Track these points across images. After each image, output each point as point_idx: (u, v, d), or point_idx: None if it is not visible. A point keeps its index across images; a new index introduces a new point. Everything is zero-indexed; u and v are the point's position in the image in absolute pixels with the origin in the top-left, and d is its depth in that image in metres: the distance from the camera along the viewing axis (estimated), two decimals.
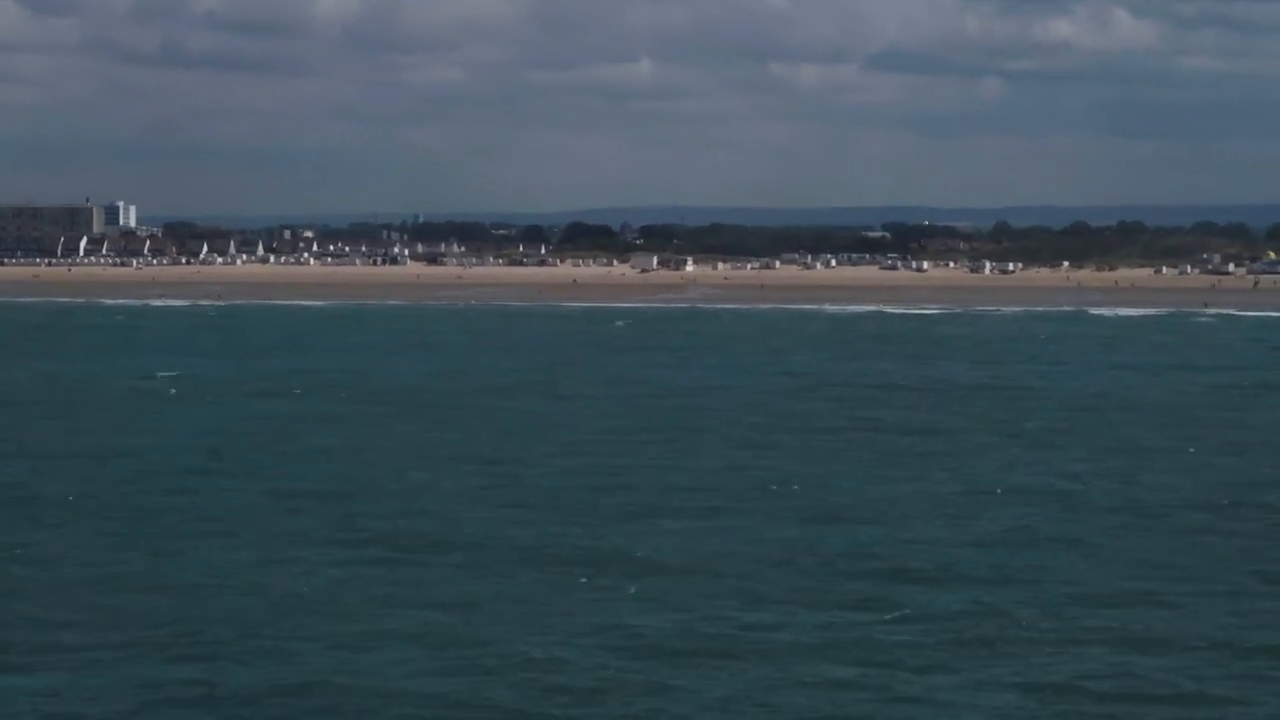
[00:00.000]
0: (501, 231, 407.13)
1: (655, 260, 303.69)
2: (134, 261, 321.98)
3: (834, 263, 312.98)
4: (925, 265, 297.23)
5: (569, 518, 52.08)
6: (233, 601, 40.66)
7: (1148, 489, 58.27)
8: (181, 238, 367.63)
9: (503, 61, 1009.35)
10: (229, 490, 57.25)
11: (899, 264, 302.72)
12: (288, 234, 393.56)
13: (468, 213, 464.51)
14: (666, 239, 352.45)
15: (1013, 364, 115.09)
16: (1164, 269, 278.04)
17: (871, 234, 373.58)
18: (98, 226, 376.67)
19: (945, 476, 61.22)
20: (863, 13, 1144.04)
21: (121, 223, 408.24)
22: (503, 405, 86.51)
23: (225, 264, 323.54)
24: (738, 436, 73.40)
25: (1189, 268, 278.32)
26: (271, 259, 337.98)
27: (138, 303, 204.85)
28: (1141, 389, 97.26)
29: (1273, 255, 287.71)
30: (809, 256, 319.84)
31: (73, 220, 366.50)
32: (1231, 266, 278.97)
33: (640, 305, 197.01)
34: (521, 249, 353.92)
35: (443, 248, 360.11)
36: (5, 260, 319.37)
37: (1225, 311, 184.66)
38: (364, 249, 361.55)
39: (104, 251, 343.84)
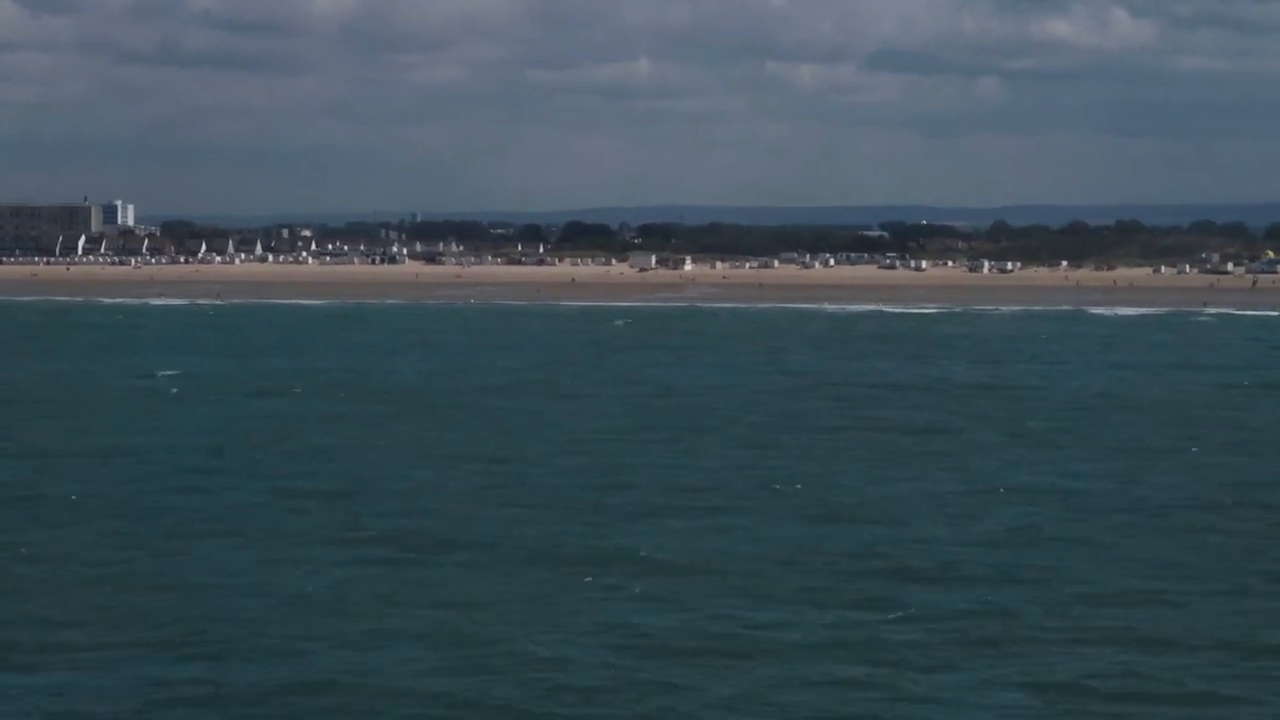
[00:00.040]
0: (499, 231, 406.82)
1: (654, 259, 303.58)
2: (132, 260, 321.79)
3: (832, 262, 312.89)
4: (924, 264, 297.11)
5: (573, 517, 52.09)
6: (238, 601, 40.65)
7: (1151, 488, 58.27)
8: (180, 237, 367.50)
9: (501, 60, 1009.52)
10: (232, 489, 57.25)
11: (897, 263, 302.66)
12: (285, 233, 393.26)
13: (466, 212, 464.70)
14: (665, 238, 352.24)
15: (1013, 363, 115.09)
16: (1162, 268, 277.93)
17: (869, 233, 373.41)
18: (96, 225, 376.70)
19: (948, 476, 61.22)
20: (861, 12, 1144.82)
21: (119, 222, 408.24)
22: (503, 404, 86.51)
23: (224, 263, 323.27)
24: (739, 436, 73.38)
25: (1187, 267, 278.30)
26: (270, 258, 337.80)
27: (136, 301, 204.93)
28: (1142, 388, 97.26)
29: (1271, 255, 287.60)
30: (807, 256, 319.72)
31: (71, 219, 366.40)
32: (1230, 266, 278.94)
33: (639, 304, 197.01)
34: (520, 248, 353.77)
35: (441, 247, 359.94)
36: (3, 259, 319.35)
37: (1224, 311, 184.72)
38: (362, 248, 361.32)
39: (102, 250, 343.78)
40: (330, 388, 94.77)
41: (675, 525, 50.78)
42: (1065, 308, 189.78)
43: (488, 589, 41.94)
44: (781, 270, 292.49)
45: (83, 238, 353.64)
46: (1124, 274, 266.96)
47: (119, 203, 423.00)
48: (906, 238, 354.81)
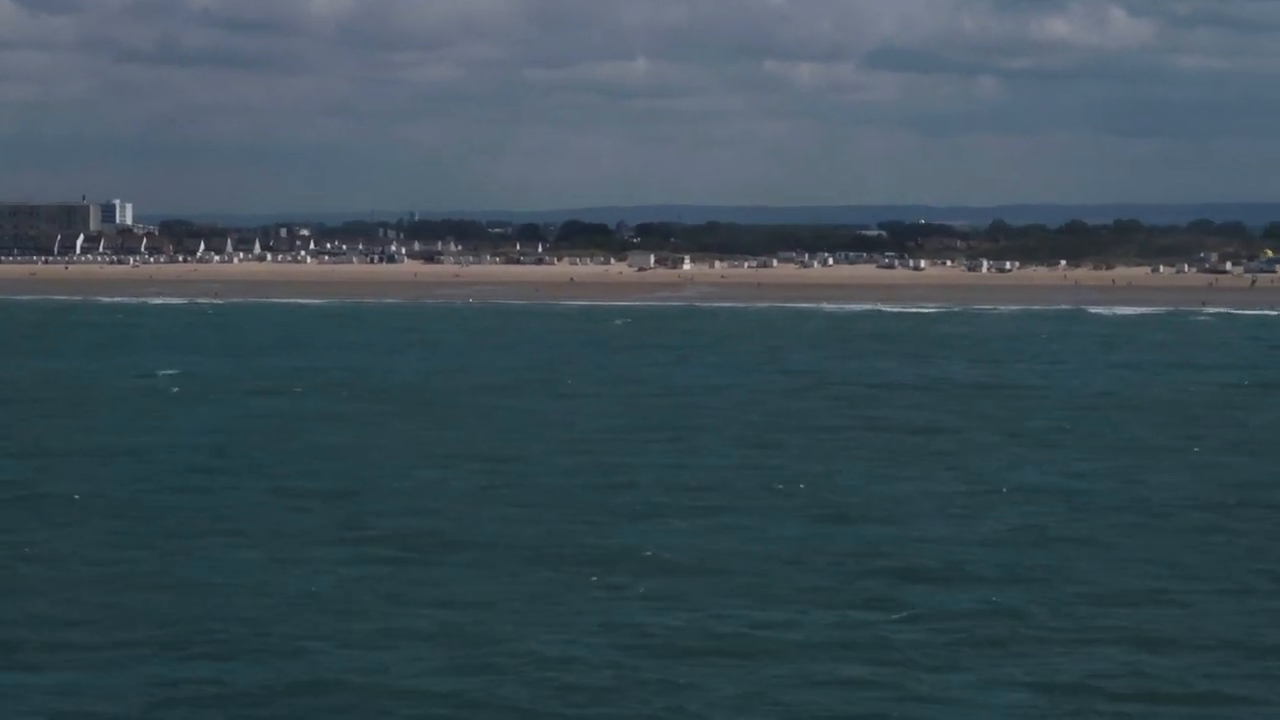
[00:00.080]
0: (498, 230, 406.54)
1: (652, 259, 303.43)
2: (131, 259, 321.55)
3: (831, 261, 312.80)
4: (922, 264, 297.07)
5: (576, 516, 52.12)
6: (243, 600, 40.68)
7: (1153, 488, 58.30)
8: (178, 236, 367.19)
9: (499, 59, 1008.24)
10: (236, 489, 57.28)
11: (896, 263, 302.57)
12: (284, 232, 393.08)
13: (463, 211, 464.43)
14: (663, 237, 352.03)
15: (1013, 363, 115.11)
16: (1161, 268, 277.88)
17: (868, 233, 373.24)
18: (94, 224, 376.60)
19: (950, 475, 61.27)
20: (859, 11, 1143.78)
21: (118, 220, 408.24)
22: (504, 404, 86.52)
23: (222, 262, 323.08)
24: (741, 435, 73.40)
25: (1186, 266, 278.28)
26: (268, 257, 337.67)
27: (135, 301, 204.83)
28: (1143, 388, 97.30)
29: (1270, 254, 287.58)
30: (806, 255, 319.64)
31: (69, 218, 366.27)
32: (1229, 265, 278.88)
33: (638, 304, 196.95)
34: (518, 247, 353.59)
35: (439, 246, 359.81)
36: (2, 258, 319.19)
37: (1223, 310, 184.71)
38: (360, 247, 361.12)
39: (101, 249, 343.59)
40: (331, 387, 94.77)
41: (679, 525, 50.83)
42: (1064, 307, 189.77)
43: (493, 588, 41.97)
44: (780, 270, 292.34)
45: (81, 237, 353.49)
46: (1123, 273, 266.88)
47: (117, 202, 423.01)
48: (905, 237, 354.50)
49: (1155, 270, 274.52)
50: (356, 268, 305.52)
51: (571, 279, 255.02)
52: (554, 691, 33.34)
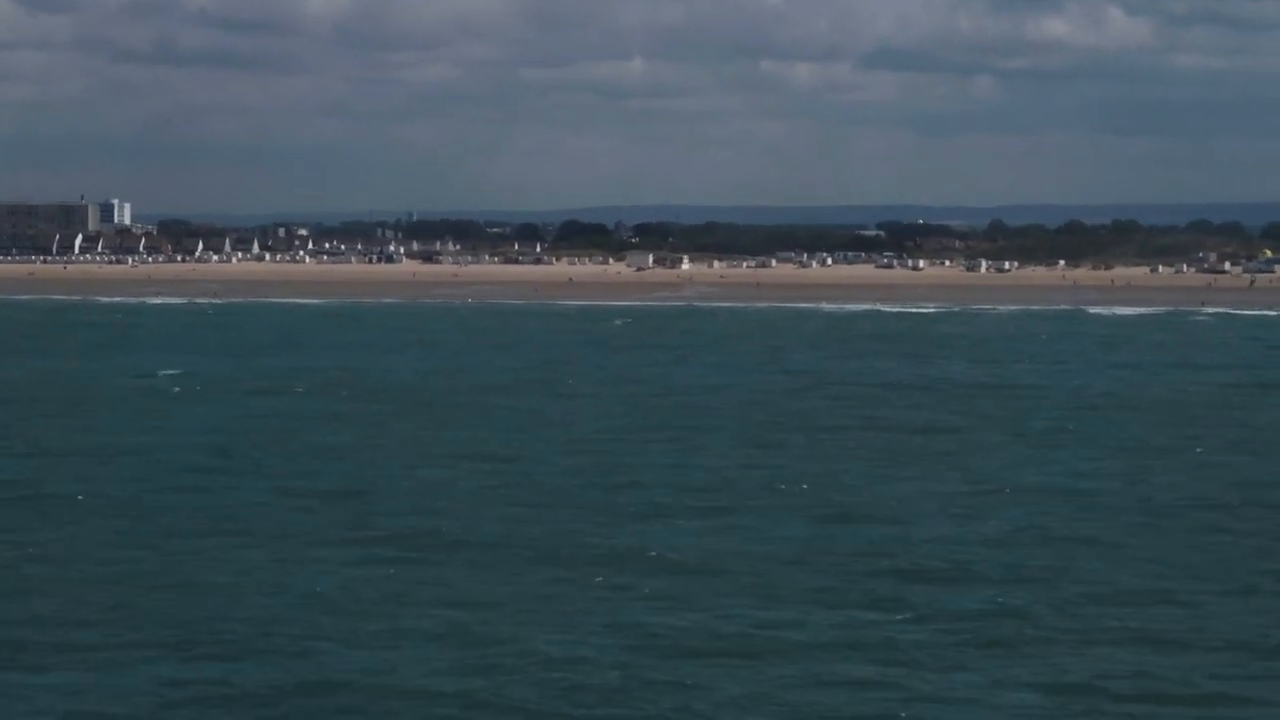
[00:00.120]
0: (495, 230, 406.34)
1: (651, 259, 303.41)
2: (129, 259, 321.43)
3: (830, 261, 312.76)
4: (921, 264, 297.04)
5: (580, 516, 52.13)
6: (249, 600, 40.66)
7: (1156, 488, 58.32)
8: (176, 235, 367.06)
9: (496, 59, 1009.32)
10: (239, 489, 57.27)
11: (895, 263, 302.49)
12: (282, 232, 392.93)
13: (461, 210, 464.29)
14: (661, 237, 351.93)
15: (1013, 363, 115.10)
16: (1160, 268, 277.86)
17: (866, 233, 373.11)
18: (93, 224, 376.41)
19: (953, 476, 61.27)
20: (856, 11, 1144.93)
21: (116, 220, 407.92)
22: (505, 403, 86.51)
23: (221, 262, 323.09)
24: (743, 435, 73.38)
25: (1185, 266, 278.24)
26: (267, 257, 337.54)
27: (134, 300, 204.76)
28: (1144, 388, 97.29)
29: (1269, 253, 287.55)
30: (804, 255, 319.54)
31: (68, 218, 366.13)
32: (1228, 265, 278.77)
33: (636, 304, 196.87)
34: (516, 247, 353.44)
35: (437, 246, 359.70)
36: (1, 258, 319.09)
37: (1222, 310, 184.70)
38: (359, 247, 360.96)
39: (99, 249, 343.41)
40: (331, 387, 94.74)
41: (683, 525, 50.82)
42: (1064, 307, 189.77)
43: (498, 589, 41.95)
44: (779, 270, 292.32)
45: (80, 236, 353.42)
46: (1121, 273, 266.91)
47: (115, 202, 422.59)
48: (903, 237, 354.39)
49: (1154, 270, 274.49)
50: (355, 268, 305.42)
51: (570, 279, 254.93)
52: (562, 692, 33.33)
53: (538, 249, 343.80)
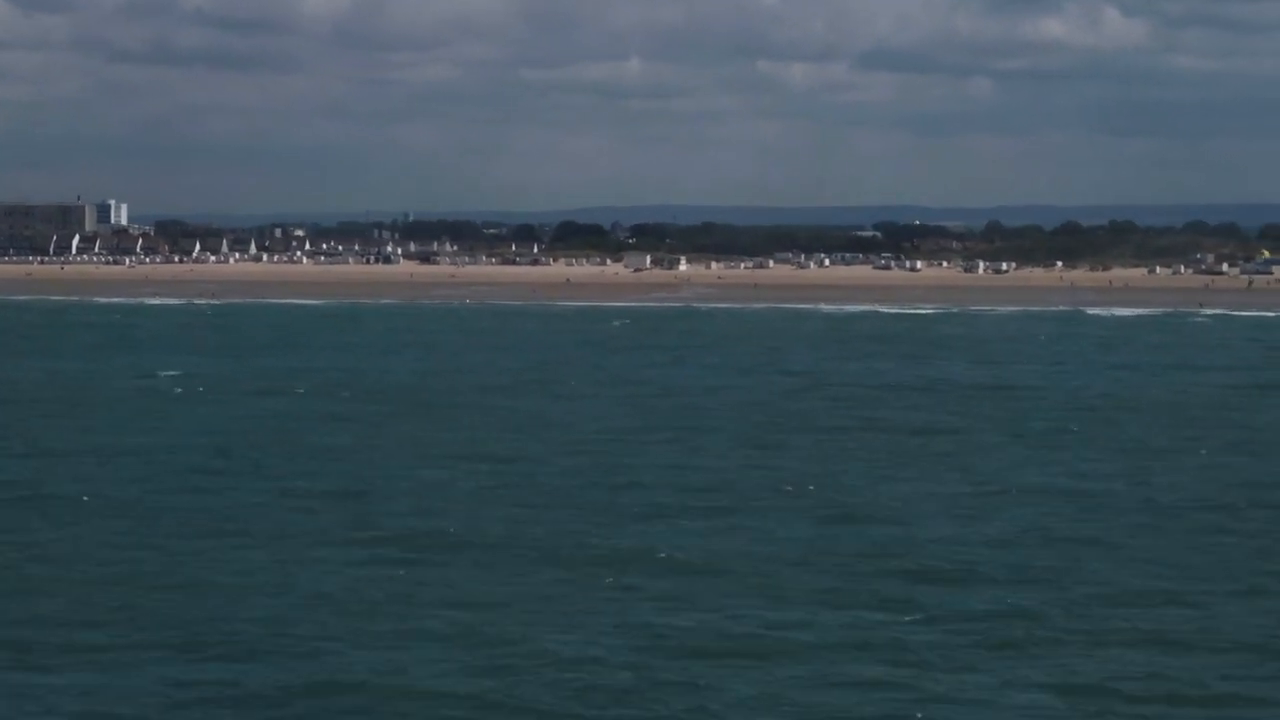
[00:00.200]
0: (492, 230, 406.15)
1: (648, 259, 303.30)
2: (127, 260, 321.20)
3: (827, 262, 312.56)
4: (919, 265, 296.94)
5: (584, 517, 52.15)
6: (256, 601, 40.64)
7: (1159, 489, 58.35)
8: (173, 236, 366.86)
9: (494, 59, 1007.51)
10: (242, 489, 57.27)
11: (892, 263, 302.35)
12: (279, 232, 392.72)
13: (458, 211, 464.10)
14: (659, 238, 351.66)
15: (1013, 364, 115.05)
16: (1157, 269, 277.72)
17: (863, 234, 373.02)
18: (90, 225, 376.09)
19: (956, 476, 61.30)
20: (853, 11, 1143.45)
21: (113, 221, 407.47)
22: (506, 404, 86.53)
23: (218, 262, 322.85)
24: (743, 436, 73.39)
25: (1182, 268, 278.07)
26: (265, 258, 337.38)
27: (132, 301, 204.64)
28: (1144, 389, 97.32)
29: (1267, 254, 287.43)
30: (802, 256, 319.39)
31: (65, 218, 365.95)
32: (1225, 266, 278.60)
33: (634, 304, 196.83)
34: (514, 248, 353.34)
35: (435, 246, 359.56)
36: None
37: (1221, 312, 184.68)
38: (356, 248, 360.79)
39: (96, 250, 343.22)
40: (331, 388, 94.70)
41: (687, 526, 50.84)
42: (1062, 308, 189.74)
43: (504, 589, 41.96)
44: (776, 270, 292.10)
45: (77, 237, 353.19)
46: (1119, 274, 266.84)
47: (112, 202, 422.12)
48: (900, 238, 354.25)
49: (1151, 271, 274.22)
50: (353, 268, 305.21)
51: (568, 280, 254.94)
52: (574, 693, 33.32)
53: (535, 250, 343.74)
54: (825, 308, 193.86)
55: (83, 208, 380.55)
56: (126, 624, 38.50)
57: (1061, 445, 70.89)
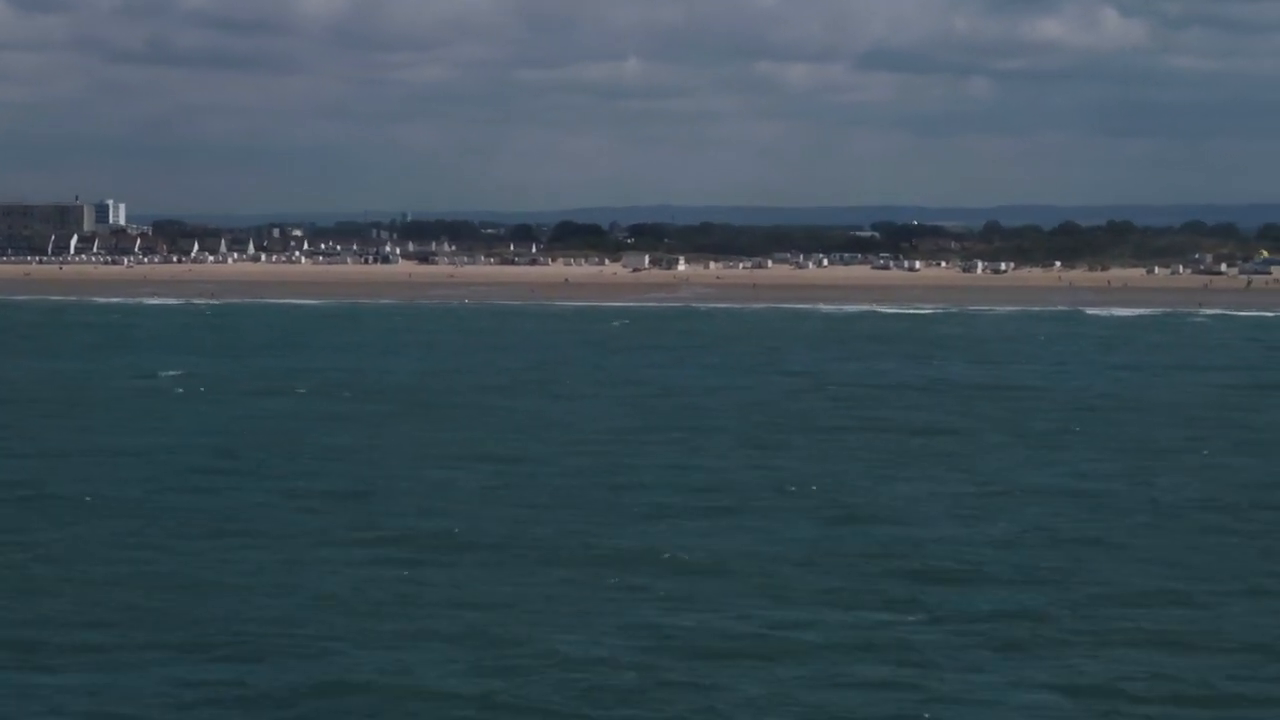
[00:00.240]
0: (490, 230, 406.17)
1: (647, 259, 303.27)
2: (125, 260, 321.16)
3: (826, 262, 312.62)
4: (917, 265, 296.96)
5: (588, 517, 52.13)
6: (262, 601, 40.62)
7: (1163, 489, 58.36)
8: (171, 236, 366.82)
9: (492, 60, 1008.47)
10: (246, 490, 57.25)
11: (891, 264, 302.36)
12: (277, 233, 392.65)
13: (456, 211, 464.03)
14: (657, 238, 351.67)
15: (1013, 364, 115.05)
16: (1156, 269, 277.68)
17: (861, 234, 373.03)
18: (88, 225, 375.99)
19: (959, 477, 61.31)
20: (851, 11, 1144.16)
21: (111, 221, 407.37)
22: (507, 404, 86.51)
23: (217, 262, 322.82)
24: (745, 436, 73.40)
25: (1181, 268, 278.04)
26: (263, 258, 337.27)
27: (131, 301, 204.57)
28: (1145, 389, 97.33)
29: (1266, 254, 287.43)
30: (801, 256, 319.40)
31: (63, 218, 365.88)
32: (1224, 266, 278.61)
33: (633, 304, 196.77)
34: (512, 248, 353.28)
35: (433, 246, 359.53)
36: None
37: (1220, 312, 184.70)
38: (354, 248, 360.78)
39: (95, 250, 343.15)
40: (332, 388, 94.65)
41: (691, 526, 50.83)
42: (1061, 308, 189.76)
43: (511, 589, 41.94)
44: (775, 270, 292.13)
45: (75, 237, 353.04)
46: (1117, 274, 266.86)
47: (111, 202, 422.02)
48: (898, 238, 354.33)
49: (1150, 272, 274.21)
50: (351, 268, 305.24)
51: (566, 280, 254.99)
52: (580, 693, 33.30)
53: (533, 250, 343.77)
54: (824, 308, 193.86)
55: (81, 208, 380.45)
56: (132, 624, 38.46)
57: (1064, 445, 70.89)
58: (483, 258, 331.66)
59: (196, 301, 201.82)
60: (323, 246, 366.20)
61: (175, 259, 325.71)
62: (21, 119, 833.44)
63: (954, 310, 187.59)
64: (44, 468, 62.57)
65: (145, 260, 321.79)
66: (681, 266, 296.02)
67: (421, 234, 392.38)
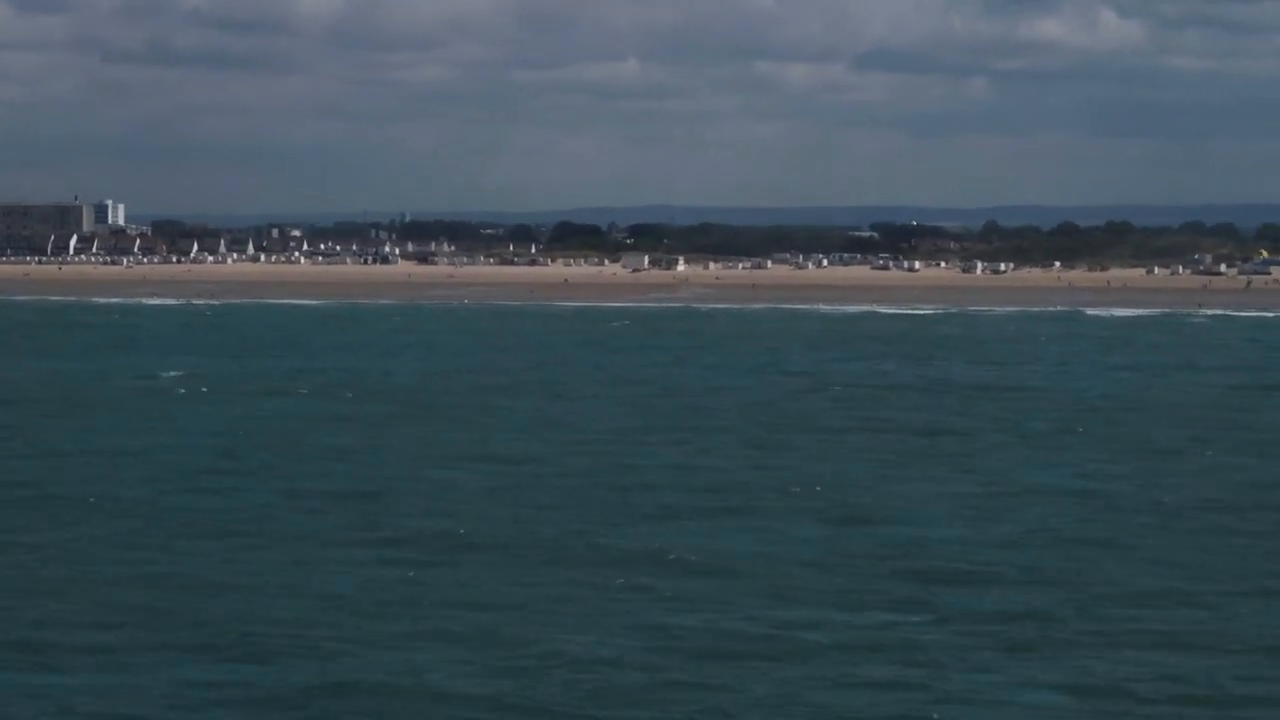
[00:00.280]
0: (489, 231, 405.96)
1: (646, 260, 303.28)
2: (124, 260, 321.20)
3: (825, 263, 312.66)
4: (917, 265, 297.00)
5: (594, 517, 52.15)
6: (270, 602, 40.62)
7: (1168, 490, 58.36)
8: (171, 236, 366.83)
9: (490, 60, 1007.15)
10: (251, 490, 57.25)
11: (890, 264, 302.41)
12: (275, 233, 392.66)
13: (455, 212, 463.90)
14: (656, 238, 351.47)
15: (1014, 364, 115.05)
16: (1155, 269, 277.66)
17: (860, 234, 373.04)
18: (87, 225, 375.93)
19: (963, 477, 61.36)
20: (850, 12, 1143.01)
21: (110, 221, 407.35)
22: (509, 405, 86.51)
23: (216, 263, 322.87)
24: (748, 437, 73.43)
25: (1180, 268, 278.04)
26: (262, 258, 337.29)
27: (130, 301, 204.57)
28: (1147, 389, 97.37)
29: (1265, 254, 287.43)
30: (800, 256, 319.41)
31: (62, 219, 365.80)
32: (1223, 267, 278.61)
33: (632, 305, 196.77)
34: (511, 248, 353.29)
35: (432, 246, 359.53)
36: None
37: (1220, 312, 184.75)
38: (354, 248, 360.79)
39: (94, 250, 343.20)
40: (335, 388, 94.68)
41: (697, 526, 50.87)
42: (1061, 308, 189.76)
43: (517, 590, 41.95)
44: (775, 271, 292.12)
45: (74, 237, 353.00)
46: (1117, 275, 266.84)
47: (110, 202, 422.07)
48: (897, 238, 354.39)
49: (1150, 272, 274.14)
50: (351, 268, 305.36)
51: (566, 280, 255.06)
52: (589, 694, 33.31)
53: (532, 250, 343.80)
54: (823, 308, 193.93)
55: (80, 208, 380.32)
56: (139, 625, 38.47)
57: (1067, 446, 70.92)
58: (482, 258, 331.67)
59: (196, 302, 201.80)
60: (322, 247, 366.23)
61: (174, 259, 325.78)
62: (21, 119, 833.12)
63: (954, 311, 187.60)
64: (47, 468, 62.57)
65: (144, 260, 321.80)
66: (681, 267, 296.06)
67: (420, 234, 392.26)
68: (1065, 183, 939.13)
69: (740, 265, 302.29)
